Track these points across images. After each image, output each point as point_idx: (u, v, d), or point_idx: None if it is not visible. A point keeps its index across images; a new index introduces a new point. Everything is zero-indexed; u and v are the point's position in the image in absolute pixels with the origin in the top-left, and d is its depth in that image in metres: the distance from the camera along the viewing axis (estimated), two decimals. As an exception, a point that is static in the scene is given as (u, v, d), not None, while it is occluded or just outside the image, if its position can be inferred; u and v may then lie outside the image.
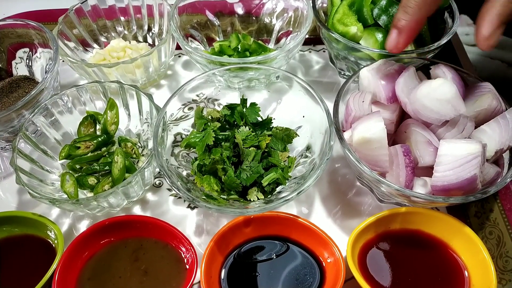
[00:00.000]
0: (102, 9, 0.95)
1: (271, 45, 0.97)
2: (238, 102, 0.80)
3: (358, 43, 0.79)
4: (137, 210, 0.76)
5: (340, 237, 0.72)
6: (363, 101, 0.68)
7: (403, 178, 0.63)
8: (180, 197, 0.77)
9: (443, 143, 0.61)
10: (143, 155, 0.79)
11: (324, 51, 1.00)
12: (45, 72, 0.87)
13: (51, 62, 0.84)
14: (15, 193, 0.79)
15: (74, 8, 0.90)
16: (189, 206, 0.76)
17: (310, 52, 1.00)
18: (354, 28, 0.78)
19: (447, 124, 0.66)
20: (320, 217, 0.75)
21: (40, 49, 0.88)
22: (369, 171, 0.62)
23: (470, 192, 0.60)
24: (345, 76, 0.92)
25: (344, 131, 0.69)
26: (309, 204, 0.76)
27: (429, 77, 0.74)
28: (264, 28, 0.97)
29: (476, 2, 1.43)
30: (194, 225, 0.74)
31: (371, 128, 0.62)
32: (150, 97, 0.74)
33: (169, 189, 0.78)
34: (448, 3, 0.83)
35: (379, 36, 0.79)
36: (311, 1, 0.86)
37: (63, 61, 0.90)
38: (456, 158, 0.60)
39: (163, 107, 0.71)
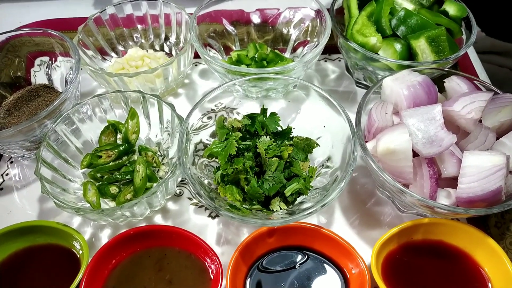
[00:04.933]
0: (120, 18, 0.96)
1: (287, 54, 0.97)
2: (256, 110, 0.81)
3: (377, 54, 0.80)
4: (158, 219, 0.76)
5: (361, 247, 0.72)
6: (386, 113, 0.68)
7: (427, 190, 0.63)
8: (200, 206, 0.78)
9: (467, 155, 0.62)
10: (163, 164, 0.80)
11: (339, 60, 1.00)
12: (65, 81, 0.88)
13: (71, 71, 0.85)
14: (35, 201, 0.79)
15: (93, 18, 0.91)
16: (209, 215, 0.77)
17: (325, 61, 1.00)
18: (374, 39, 0.78)
19: (469, 135, 0.67)
20: (340, 227, 0.75)
21: (60, 58, 0.89)
22: (392, 182, 0.62)
23: (494, 204, 0.61)
24: (361, 86, 0.93)
25: (366, 141, 0.70)
26: (328, 214, 0.77)
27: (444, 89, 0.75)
28: (280, 37, 0.98)
29: (486, 11, 1.44)
30: (215, 234, 0.74)
31: (396, 139, 0.62)
32: (172, 107, 0.75)
33: (189, 198, 0.79)
34: (466, 14, 0.84)
35: (398, 46, 0.80)
36: (329, 12, 0.87)
37: (81, 69, 0.90)
38: (480, 170, 0.60)
39: (186, 118, 0.71)
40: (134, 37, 0.99)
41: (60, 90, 0.89)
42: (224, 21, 0.96)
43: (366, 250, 0.72)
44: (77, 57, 0.80)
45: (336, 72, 0.98)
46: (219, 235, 0.74)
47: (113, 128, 0.79)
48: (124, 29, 0.98)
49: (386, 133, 0.65)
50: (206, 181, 0.73)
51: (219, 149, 0.72)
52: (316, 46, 0.89)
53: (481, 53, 1.50)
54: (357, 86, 0.94)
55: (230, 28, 0.97)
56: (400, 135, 0.63)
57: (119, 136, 0.80)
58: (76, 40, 0.87)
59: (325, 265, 0.66)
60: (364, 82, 0.91)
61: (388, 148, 0.63)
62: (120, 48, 0.98)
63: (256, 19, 0.98)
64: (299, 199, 0.72)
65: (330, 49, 1.00)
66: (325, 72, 0.98)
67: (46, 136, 0.72)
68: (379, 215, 0.76)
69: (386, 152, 0.63)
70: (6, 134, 0.70)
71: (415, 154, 0.64)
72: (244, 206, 0.70)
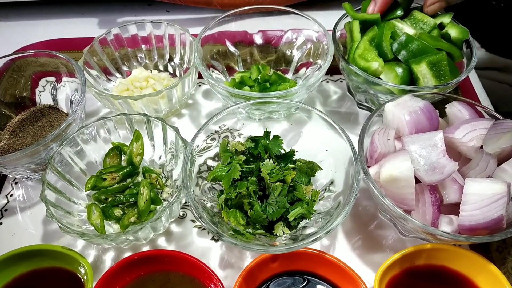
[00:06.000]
0: (124, 38, 0.97)
1: (289, 75, 0.98)
2: (258, 132, 0.81)
3: (379, 78, 0.81)
4: (161, 242, 0.76)
5: (363, 271, 0.72)
6: (388, 139, 0.69)
7: (429, 216, 0.64)
8: (203, 229, 0.78)
9: (469, 182, 0.63)
10: (166, 186, 0.81)
11: (341, 81, 1.01)
12: (70, 102, 0.89)
13: (77, 93, 0.86)
14: (39, 223, 0.79)
15: (98, 39, 0.92)
16: (213, 238, 0.77)
17: (327, 82, 1.01)
18: (376, 63, 0.79)
19: (470, 162, 0.68)
20: (342, 250, 0.75)
21: (65, 78, 0.90)
22: (394, 208, 0.63)
23: (496, 231, 0.62)
24: (363, 107, 0.94)
25: (369, 166, 0.70)
26: (331, 237, 0.77)
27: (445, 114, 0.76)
28: (282, 58, 0.99)
29: (485, 26, 1.45)
30: (218, 257, 0.75)
31: (399, 167, 0.63)
32: (176, 130, 0.76)
33: (193, 220, 0.79)
34: (468, 37, 0.85)
35: (399, 70, 0.80)
36: (331, 34, 0.88)
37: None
38: (482, 198, 0.61)
39: (190, 141, 0.72)
40: (139, 58, 1.00)
41: (65, 111, 0.90)
42: (227, 42, 0.97)
43: (369, 274, 0.72)
44: (83, 79, 0.81)
45: (338, 93, 0.99)
46: (222, 258, 0.75)
47: (117, 150, 0.80)
48: (129, 49, 0.99)
49: (388, 160, 0.65)
50: (209, 205, 0.74)
51: (223, 173, 0.73)
52: (318, 69, 0.90)
53: (481, 69, 1.52)
54: (359, 107, 0.95)
55: (233, 49, 0.98)
56: (403, 162, 0.63)
57: (123, 158, 0.81)
58: (82, 62, 0.88)
59: (328, 290, 0.66)
60: (366, 104, 0.92)
61: (391, 175, 0.63)
62: (125, 68, 0.99)
63: (259, 40, 1.00)
64: (302, 223, 0.72)
65: (332, 70, 1.01)
66: (327, 93, 0.99)
67: (51, 159, 0.73)
68: (381, 238, 0.77)
69: (389, 180, 0.64)
70: (13, 157, 0.71)
71: (417, 181, 0.65)
72: (247, 230, 0.70)
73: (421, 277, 0.68)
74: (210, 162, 0.80)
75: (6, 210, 0.81)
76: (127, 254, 0.74)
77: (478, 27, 1.14)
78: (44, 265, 0.69)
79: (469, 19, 0.96)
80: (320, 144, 0.79)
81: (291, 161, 0.77)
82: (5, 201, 0.82)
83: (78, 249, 0.75)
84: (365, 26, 0.87)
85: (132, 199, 0.76)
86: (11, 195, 0.83)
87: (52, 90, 0.92)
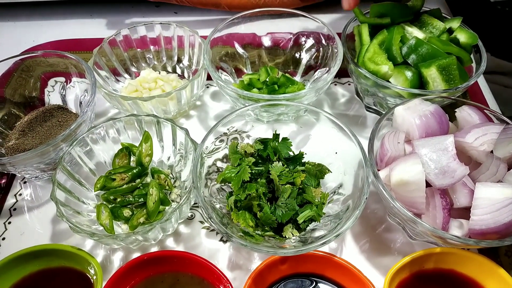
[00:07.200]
0: (133, 39, 0.97)
1: (297, 77, 0.99)
2: (267, 134, 0.81)
3: (388, 81, 0.81)
4: (170, 243, 0.76)
5: (372, 274, 0.72)
6: (398, 142, 0.69)
7: (440, 220, 0.64)
8: (212, 230, 0.78)
9: (480, 186, 0.63)
10: (175, 187, 0.81)
11: (349, 84, 1.01)
12: (80, 103, 0.89)
13: (86, 93, 0.86)
14: (48, 222, 0.80)
15: (108, 40, 0.92)
16: (221, 240, 0.77)
17: (335, 85, 1.01)
18: (386, 67, 0.79)
19: (481, 166, 0.68)
20: (350, 253, 0.75)
21: (74, 79, 0.90)
22: (404, 211, 0.63)
23: (506, 236, 0.61)
24: (371, 110, 0.94)
25: (378, 170, 0.70)
26: (338, 239, 0.77)
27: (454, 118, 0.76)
28: (291, 61, 0.99)
29: (491, 31, 1.45)
30: (227, 259, 0.75)
31: (410, 171, 0.63)
32: (186, 131, 0.76)
33: (201, 222, 0.79)
34: (477, 42, 0.85)
35: (409, 74, 0.81)
36: (340, 37, 0.88)
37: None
38: (493, 202, 0.61)
39: (200, 143, 0.72)
40: (147, 59, 1.01)
41: (74, 111, 0.91)
42: (236, 44, 0.98)
43: (376, 277, 0.72)
44: (93, 80, 0.81)
45: (346, 96, 0.99)
46: (230, 259, 0.75)
47: (127, 151, 0.80)
48: (137, 50, 0.99)
49: (399, 163, 0.65)
50: (217, 206, 0.74)
51: (232, 175, 0.73)
52: (327, 72, 0.90)
53: (486, 73, 1.52)
54: (367, 110, 0.95)
55: (241, 51, 0.98)
56: (413, 165, 0.64)
57: (132, 158, 0.81)
58: (92, 63, 0.88)
59: (337, 293, 0.66)
60: (374, 107, 0.92)
61: (401, 179, 0.63)
62: (133, 69, 0.99)
63: (267, 42, 1.00)
64: (311, 226, 0.72)
65: (340, 73, 1.01)
66: (335, 96, 0.99)
67: (61, 159, 0.73)
68: (390, 241, 0.77)
69: (400, 183, 0.64)
70: (23, 157, 0.71)
71: (427, 184, 0.65)
72: (256, 232, 0.70)
73: (430, 281, 0.67)
74: (219, 164, 0.80)
75: (15, 209, 0.81)
76: (136, 254, 0.74)
77: (483, 31, 1.14)
78: (53, 264, 0.69)
79: (474, 24, 0.96)
80: (329, 146, 0.79)
81: (300, 163, 0.77)
82: (14, 200, 0.83)
83: (87, 249, 0.75)
84: (374, 29, 0.88)
85: (141, 199, 0.76)
86: (19, 195, 0.83)
87: (61, 90, 0.92)
